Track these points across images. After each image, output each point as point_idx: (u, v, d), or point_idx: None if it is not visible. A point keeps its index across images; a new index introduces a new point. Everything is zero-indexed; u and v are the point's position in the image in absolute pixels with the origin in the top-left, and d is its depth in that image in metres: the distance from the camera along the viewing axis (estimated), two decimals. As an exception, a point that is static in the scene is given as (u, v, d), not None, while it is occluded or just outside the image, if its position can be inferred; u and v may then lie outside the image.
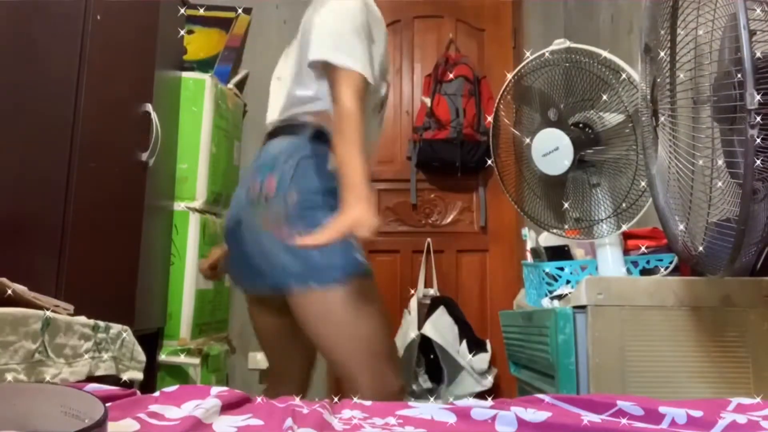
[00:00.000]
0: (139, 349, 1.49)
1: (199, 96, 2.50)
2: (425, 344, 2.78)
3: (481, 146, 2.97)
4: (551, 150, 1.40)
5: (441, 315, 2.85)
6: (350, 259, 1.38)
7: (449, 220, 3.20)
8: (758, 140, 0.85)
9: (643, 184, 1.36)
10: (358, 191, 1.27)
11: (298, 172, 1.40)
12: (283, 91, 1.54)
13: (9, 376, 0.97)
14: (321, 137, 1.44)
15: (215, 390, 0.84)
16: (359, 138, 1.32)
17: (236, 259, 1.49)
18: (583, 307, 1.22)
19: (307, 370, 1.63)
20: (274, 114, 1.55)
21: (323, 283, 1.36)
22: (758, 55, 0.90)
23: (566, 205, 1.48)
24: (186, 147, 2.44)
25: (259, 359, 2.88)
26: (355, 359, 1.40)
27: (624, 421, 0.76)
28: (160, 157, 2.15)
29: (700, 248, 1.02)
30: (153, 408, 0.77)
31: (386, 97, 1.59)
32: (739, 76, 0.87)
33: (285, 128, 1.49)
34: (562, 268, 1.50)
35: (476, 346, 2.83)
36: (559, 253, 1.58)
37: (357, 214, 1.23)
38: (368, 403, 0.89)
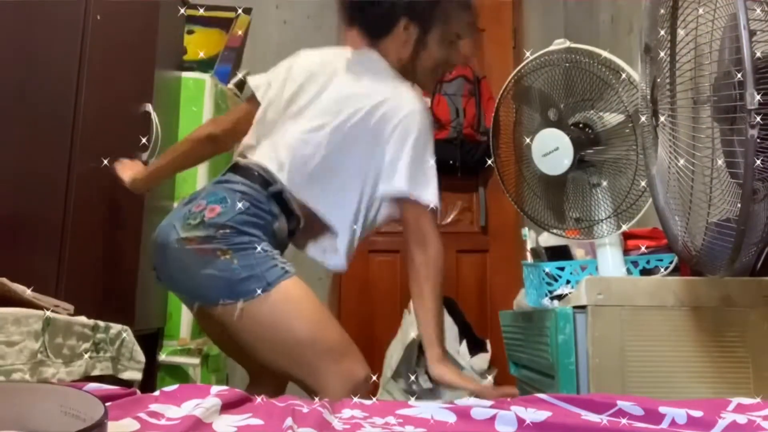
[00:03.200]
0: (138, 349, 1.49)
1: (199, 96, 2.49)
2: (425, 344, 2.78)
3: (481, 146, 2.97)
4: (551, 150, 1.40)
5: (441, 315, 2.85)
6: (271, 268, 1.36)
7: (449, 220, 3.20)
8: (758, 140, 0.85)
9: (643, 184, 1.36)
10: (439, 351, 1.37)
11: (242, 215, 1.39)
12: (288, 139, 1.48)
13: (16, 376, 0.97)
14: (279, 198, 1.43)
15: (215, 389, 0.84)
16: (440, 294, 1.41)
17: (164, 271, 1.47)
18: (583, 307, 1.22)
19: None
20: (261, 155, 1.49)
21: (249, 295, 1.34)
22: (758, 55, 0.90)
23: (566, 205, 1.48)
24: (186, 147, 2.44)
25: (259, 359, 2.88)
26: (309, 365, 1.38)
27: (624, 421, 0.76)
28: (160, 157, 2.15)
29: (700, 248, 1.02)
30: (153, 407, 0.77)
31: None
32: (739, 76, 0.87)
33: (251, 172, 1.46)
34: (562, 268, 1.49)
35: (476, 346, 2.83)
36: (559, 253, 1.58)
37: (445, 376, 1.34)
38: (368, 402, 0.89)
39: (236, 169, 1.48)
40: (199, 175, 2.47)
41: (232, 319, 1.36)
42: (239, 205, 1.39)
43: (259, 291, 1.34)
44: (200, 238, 1.36)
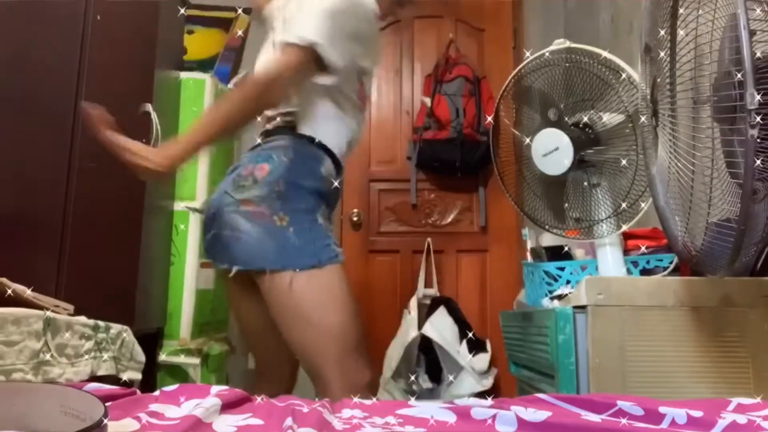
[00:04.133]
0: (138, 349, 1.49)
1: (199, 96, 2.49)
2: (425, 344, 2.78)
3: (481, 146, 2.96)
4: (551, 150, 1.40)
5: (441, 315, 2.85)
6: (325, 247, 1.40)
7: (449, 220, 3.20)
8: (758, 140, 0.85)
9: (643, 184, 1.36)
10: (180, 145, 1.37)
11: (291, 167, 1.43)
12: None
13: (17, 376, 0.97)
14: (314, 142, 1.49)
15: (215, 389, 0.84)
16: (240, 108, 1.39)
17: (213, 241, 1.47)
18: (583, 307, 1.22)
19: (292, 365, 1.61)
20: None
21: (298, 266, 1.37)
22: (758, 55, 0.90)
23: (566, 205, 1.48)
24: (186, 147, 2.44)
25: (259, 359, 2.88)
26: (324, 352, 1.39)
27: (624, 421, 0.76)
28: (160, 157, 2.14)
29: (700, 248, 1.02)
30: (153, 407, 0.77)
31: (366, 97, 1.61)
32: (739, 76, 0.87)
33: (283, 129, 1.52)
34: (562, 268, 1.50)
35: (476, 346, 2.83)
36: (559, 253, 1.58)
37: (152, 152, 1.36)
38: (368, 402, 0.89)
39: (267, 133, 1.54)
40: (199, 176, 2.47)
41: (274, 289, 1.38)
42: (284, 159, 1.43)
43: (310, 266, 1.36)
44: (257, 198, 1.39)
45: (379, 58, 1.57)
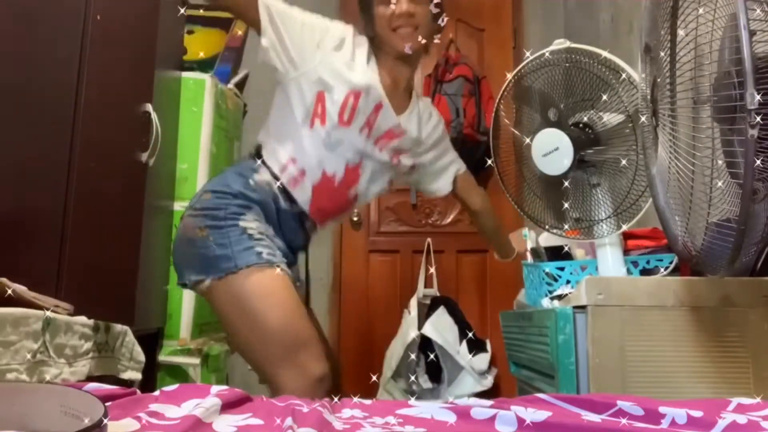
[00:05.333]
0: (138, 349, 1.49)
1: (199, 96, 2.49)
2: (425, 344, 2.78)
3: (481, 146, 2.96)
4: (551, 150, 1.40)
5: (441, 315, 2.85)
6: (244, 251, 1.40)
7: (449, 220, 3.20)
8: (758, 140, 0.85)
9: (643, 184, 1.36)
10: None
11: (221, 177, 1.53)
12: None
13: (11, 376, 0.97)
14: (256, 155, 1.55)
15: (215, 389, 0.84)
16: None
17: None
18: (583, 307, 1.22)
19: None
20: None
21: (217, 274, 1.39)
22: (758, 54, 0.90)
23: (566, 205, 1.48)
24: (186, 147, 2.44)
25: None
26: (264, 355, 1.40)
27: (624, 421, 0.76)
28: (160, 157, 2.15)
29: (700, 248, 1.02)
30: (153, 407, 0.77)
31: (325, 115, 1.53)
32: (739, 76, 0.87)
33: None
34: (562, 268, 1.50)
35: (476, 346, 2.83)
36: (559, 253, 1.58)
37: None
38: (368, 402, 0.89)
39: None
40: (199, 176, 2.47)
41: (206, 300, 1.45)
42: (223, 172, 1.57)
43: (225, 272, 1.38)
44: (189, 212, 1.49)
45: (356, 78, 1.50)
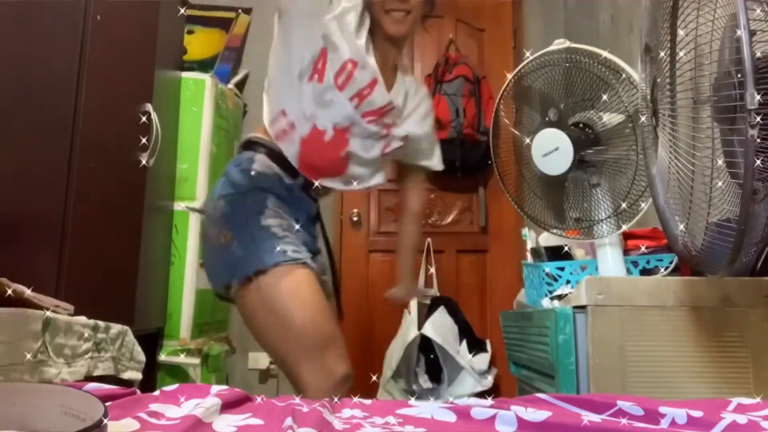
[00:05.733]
0: (138, 349, 1.49)
1: (199, 96, 2.50)
2: (425, 344, 2.78)
3: (481, 146, 2.96)
4: (551, 150, 1.40)
5: (441, 315, 2.85)
6: (269, 250, 1.39)
7: (449, 220, 3.20)
8: (758, 140, 0.85)
9: (643, 184, 1.36)
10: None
11: (225, 181, 1.51)
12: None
13: (14, 376, 0.97)
14: (249, 145, 1.55)
15: (215, 389, 0.84)
16: None
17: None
18: (583, 307, 1.22)
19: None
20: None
21: (245, 274, 1.40)
22: (758, 55, 0.90)
23: (566, 205, 1.48)
24: (186, 147, 2.44)
25: (258, 359, 2.88)
26: (291, 353, 1.40)
27: (624, 421, 0.76)
28: (160, 157, 2.15)
29: (700, 248, 1.02)
30: (153, 407, 0.77)
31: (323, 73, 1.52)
32: (739, 76, 0.87)
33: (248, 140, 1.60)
34: (562, 268, 1.50)
35: (476, 346, 2.83)
36: (559, 253, 1.58)
37: None
38: (368, 402, 0.89)
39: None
40: (199, 176, 2.47)
41: (236, 302, 1.44)
42: (223, 177, 1.54)
43: (253, 272, 1.38)
44: (208, 222, 1.50)
45: (359, 48, 1.49)
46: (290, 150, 1.50)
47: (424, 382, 2.83)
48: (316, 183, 1.53)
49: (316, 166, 1.53)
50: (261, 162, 1.50)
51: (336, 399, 0.87)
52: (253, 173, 1.47)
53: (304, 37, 1.47)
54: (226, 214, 1.45)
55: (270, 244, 1.40)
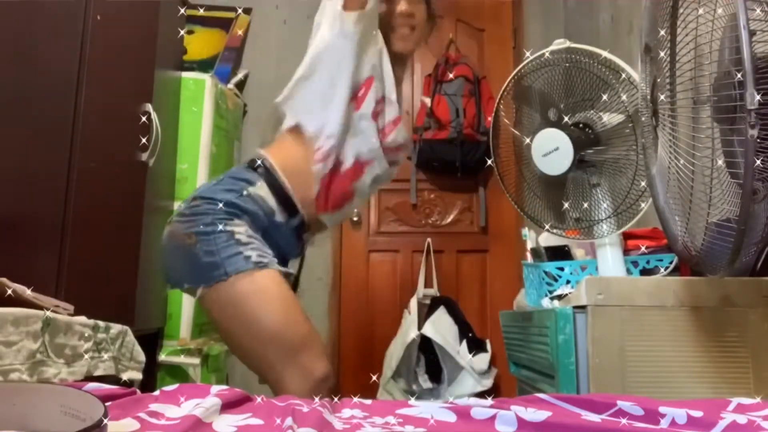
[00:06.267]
0: (138, 349, 1.49)
1: (199, 96, 2.50)
2: (425, 344, 2.78)
3: (481, 146, 2.97)
4: (551, 150, 1.40)
5: (441, 315, 2.85)
6: (232, 257, 1.36)
7: (449, 220, 3.20)
8: (758, 140, 0.85)
9: (643, 184, 1.36)
10: None
11: (213, 185, 1.46)
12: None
13: (11, 376, 0.97)
14: (256, 168, 1.47)
15: (215, 389, 0.84)
16: None
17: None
18: (583, 307, 1.22)
19: None
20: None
21: (207, 282, 1.36)
22: (758, 55, 0.90)
23: (566, 205, 1.48)
24: (186, 147, 2.44)
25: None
26: (265, 358, 1.38)
27: (624, 421, 0.76)
28: (160, 157, 2.15)
29: (700, 248, 1.02)
30: (153, 407, 0.77)
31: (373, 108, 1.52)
32: (739, 76, 0.87)
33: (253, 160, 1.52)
34: (562, 268, 1.49)
35: (476, 346, 2.83)
36: (559, 253, 1.58)
37: None
38: (368, 402, 0.89)
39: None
40: (199, 176, 2.47)
41: (202, 305, 1.42)
42: (214, 180, 1.47)
43: (216, 279, 1.35)
44: (176, 218, 1.44)
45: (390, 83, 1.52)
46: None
47: (424, 382, 2.83)
48: (318, 217, 1.51)
49: (323, 197, 1.49)
50: (257, 192, 1.44)
51: (317, 399, 0.86)
52: (243, 193, 1.43)
53: (360, 61, 1.46)
54: (196, 214, 1.40)
55: (233, 251, 1.36)
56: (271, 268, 1.38)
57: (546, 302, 1.46)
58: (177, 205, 2.39)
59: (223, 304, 1.38)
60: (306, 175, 1.47)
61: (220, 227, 1.37)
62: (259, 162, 1.47)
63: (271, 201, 1.45)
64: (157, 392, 0.84)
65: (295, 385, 1.33)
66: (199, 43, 2.86)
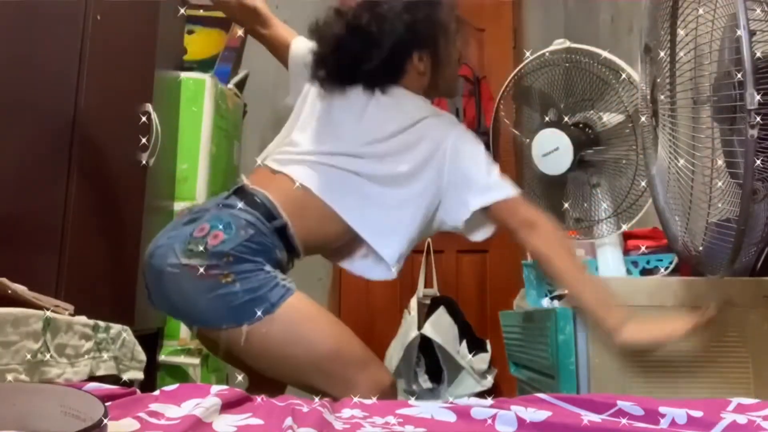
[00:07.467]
0: (139, 349, 1.49)
1: (199, 96, 2.49)
2: (425, 344, 2.78)
3: (481, 146, 2.96)
4: (551, 150, 1.40)
5: (441, 315, 2.85)
6: (273, 288, 1.33)
7: (449, 220, 3.20)
8: (758, 140, 0.85)
9: (643, 184, 1.36)
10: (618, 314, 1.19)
11: (244, 245, 1.34)
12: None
13: (10, 377, 0.97)
14: (282, 233, 1.39)
15: (215, 389, 0.84)
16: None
17: (162, 300, 1.41)
18: (583, 307, 1.22)
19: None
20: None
21: (249, 320, 1.30)
22: (758, 55, 0.90)
23: (566, 205, 1.48)
24: (186, 147, 2.44)
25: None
26: (337, 377, 1.34)
27: (624, 421, 0.76)
28: (160, 158, 2.15)
29: (700, 248, 1.02)
30: (153, 407, 0.77)
31: None
32: (739, 76, 0.87)
33: (257, 203, 1.40)
34: (562, 268, 1.49)
35: (476, 346, 2.83)
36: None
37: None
38: (368, 402, 0.89)
39: (241, 194, 1.42)
40: (199, 175, 2.47)
41: (239, 344, 1.32)
42: (242, 232, 1.34)
43: (260, 313, 1.29)
44: (203, 266, 1.31)
45: None
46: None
47: (424, 382, 2.83)
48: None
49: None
50: (282, 256, 1.40)
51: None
52: (277, 257, 1.38)
53: None
54: (233, 264, 1.32)
55: (272, 284, 1.33)
56: (296, 291, 1.37)
57: (546, 302, 1.47)
58: (177, 206, 2.40)
59: (275, 334, 1.32)
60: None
61: (260, 266, 1.33)
62: (281, 223, 1.39)
63: (285, 255, 1.41)
64: (157, 392, 0.84)
65: (367, 395, 1.31)
66: (199, 43, 2.86)
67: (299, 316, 1.35)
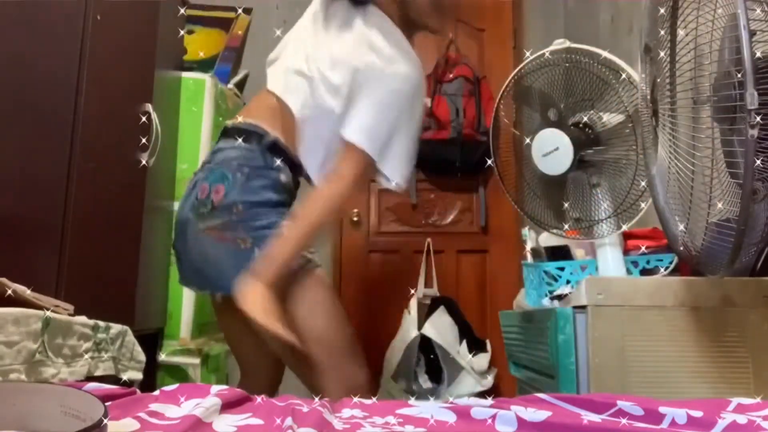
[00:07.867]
0: (139, 349, 1.49)
1: (199, 96, 2.49)
2: (425, 344, 2.78)
3: (481, 146, 2.96)
4: (551, 150, 1.40)
5: (441, 315, 2.85)
6: None
7: (449, 220, 3.20)
8: (758, 140, 0.85)
9: (643, 184, 1.36)
10: (268, 269, 1.28)
11: (246, 187, 1.39)
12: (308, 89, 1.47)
13: (11, 376, 0.97)
14: (275, 149, 1.43)
15: (215, 389, 0.84)
16: (325, 219, 1.37)
17: (184, 263, 1.50)
18: (583, 307, 1.22)
19: (277, 367, 1.62)
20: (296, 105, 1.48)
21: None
22: (758, 55, 0.90)
23: (566, 205, 1.48)
24: (186, 147, 2.44)
25: (259, 359, 2.88)
26: (317, 362, 1.38)
27: (624, 421, 0.76)
28: (160, 158, 2.15)
29: (700, 248, 1.02)
30: (153, 407, 0.77)
31: None
32: (739, 76, 0.87)
33: (242, 132, 1.46)
34: (562, 268, 1.49)
35: (476, 346, 2.83)
36: (559, 253, 1.58)
37: (247, 298, 1.26)
38: (368, 402, 0.89)
39: (225, 134, 1.50)
40: (199, 175, 2.47)
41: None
42: (239, 175, 1.39)
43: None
44: (219, 225, 1.37)
45: None
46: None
47: (424, 382, 2.83)
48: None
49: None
50: (287, 176, 1.44)
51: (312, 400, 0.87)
52: (283, 182, 1.42)
53: None
54: (247, 220, 1.37)
55: None
56: (320, 268, 1.44)
57: (546, 302, 1.46)
58: (177, 205, 2.40)
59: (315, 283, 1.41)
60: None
61: (277, 230, 1.36)
62: (272, 139, 1.44)
63: (291, 177, 1.47)
64: (157, 392, 0.84)
65: (337, 388, 1.34)
66: (199, 43, 2.85)
67: (307, 292, 1.40)
